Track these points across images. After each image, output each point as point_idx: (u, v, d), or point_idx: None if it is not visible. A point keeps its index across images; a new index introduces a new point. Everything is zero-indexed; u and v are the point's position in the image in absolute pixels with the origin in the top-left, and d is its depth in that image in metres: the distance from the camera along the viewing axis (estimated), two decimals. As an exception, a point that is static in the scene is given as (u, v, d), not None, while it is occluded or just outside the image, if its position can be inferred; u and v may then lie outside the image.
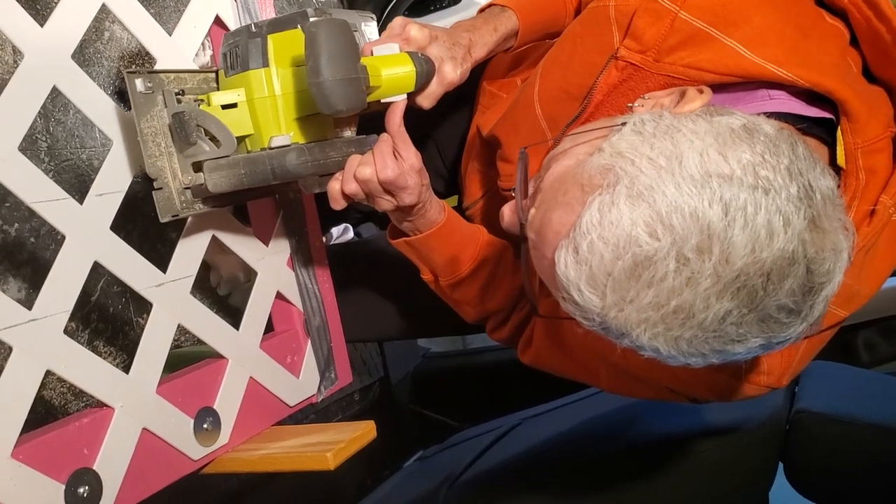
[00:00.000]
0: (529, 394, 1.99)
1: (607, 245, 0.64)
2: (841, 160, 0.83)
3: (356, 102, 0.85)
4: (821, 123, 0.84)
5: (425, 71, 0.97)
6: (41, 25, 0.91)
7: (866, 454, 1.31)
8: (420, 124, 1.22)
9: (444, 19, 2.60)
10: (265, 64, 0.93)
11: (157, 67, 1.02)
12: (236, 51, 0.94)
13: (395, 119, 0.97)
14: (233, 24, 1.20)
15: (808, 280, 0.64)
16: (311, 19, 0.90)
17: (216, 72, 1.02)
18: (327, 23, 0.84)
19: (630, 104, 0.84)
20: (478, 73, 1.25)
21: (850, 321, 2.38)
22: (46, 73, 0.91)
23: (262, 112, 0.93)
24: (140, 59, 1.45)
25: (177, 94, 0.96)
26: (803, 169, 0.66)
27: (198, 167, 0.95)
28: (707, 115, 0.71)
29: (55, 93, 0.92)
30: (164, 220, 0.93)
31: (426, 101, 1.01)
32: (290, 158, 0.91)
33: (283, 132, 0.94)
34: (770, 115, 0.81)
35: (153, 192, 0.92)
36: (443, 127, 1.34)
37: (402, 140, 0.96)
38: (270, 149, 0.93)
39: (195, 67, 1.07)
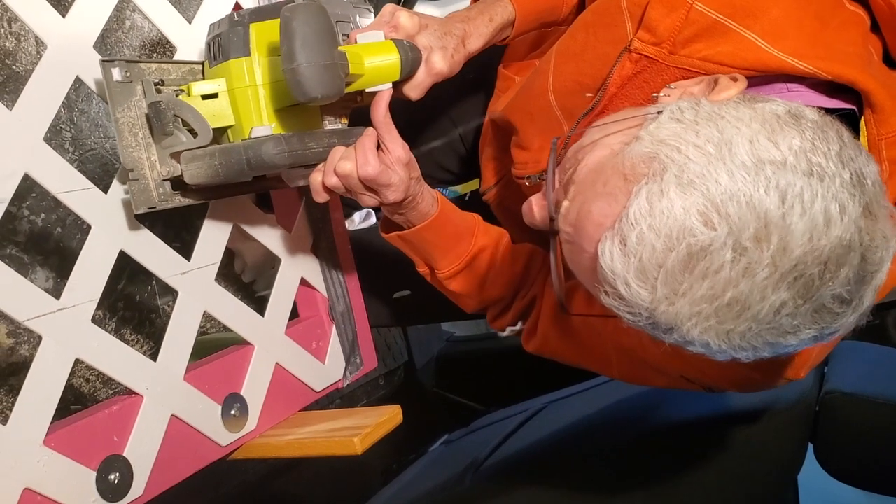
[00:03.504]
0: (554, 377, 1.98)
1: (659, 235, 0.62)
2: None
3: (332, 89, 0.82)
4: (842, 114, 0.82)
5: (410, 59, 0.93)
6: (63, 16, 0.91)
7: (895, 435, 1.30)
8: (440, 107, 1.22)
9: (454, 5, 2.59)
10: (246, 53, 0.91)
11: (167, 56, 1.02)
12: (219, 40, 0.92)
13: (380, 109, 0.92)
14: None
15: (862, 268, 0.63)
16: (288, 4, 0.86)
17: (202, 64, 1.00)
18: (303, 7, 0.81)
19: (655, 94, 0.82)
20: (496, 57, 1.24)
21: (882, 300, 2.36)
22: (69, 64, 0.91)
23: (242, 102, 0.91)
24: (161, 47, 1.46)
25: (156, 84, 0.93)
26: (853, 155, 0.65)
27: (176, 158, 0.93)
28: (748, 102, 0.69)
29: (78, 83, 0.93)
30: (138, 211, 0.91)
31: (413, 91, 0.97)
32: (267, 148, 0.86)
33: (265, 123, 0.91)
34: None
35: (129, 183, 0.89)
36: (463, 110, 1.33)
37: (388, 132, 0.92)
38: (248, 139, 0.90)
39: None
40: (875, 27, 0.85)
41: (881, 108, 0.79)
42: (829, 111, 0.78)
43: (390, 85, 0.94)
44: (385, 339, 2.40)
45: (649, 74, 0.87)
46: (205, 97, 0.91)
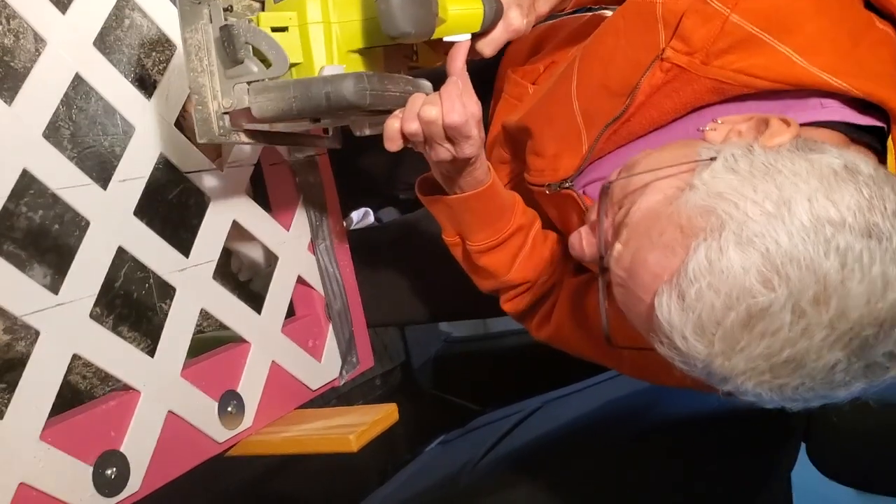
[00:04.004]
0: (551, 377, 1.99)
1: (718, 295, 0.63)
2: (891, 168, 0.82)
3: (425, 27, 0.81)
4: (871, 131, 0.82)
5: (493, 11, 0.92)
6: (63, 13, 0.92)
7: (888, 435, 1.30)
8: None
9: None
10: None
11: (168, 55, 1.02)
12: None
13: (459, 60, 0.91)
14: (252, 11, 1.21)
15: None
16: None
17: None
18: None
19: (701, 128, 0.82)
20: (498, 57, 1.24)
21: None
22: (69, 61, 0.91)
23: (314, 39, 0.86)
24: (160, 45, 1.46)
25: (224, 10, 0.88)
26: None
27: (241, 91, 0.88)
28: (803, 153, 0.69)
29: (77, 80, 0.93)
30: (201, 141, 0.87)
31: (488, 47, 0.96)
32: (348, 85, 0.82)
33: (336, 63, 0.87)
34: (822, 123, 0.81)
35: (193, 109, 0.86)
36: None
37: (466, 85, 0.90)
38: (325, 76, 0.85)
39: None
40: None
41: None
42: (859, 128, 0.78)
43: (469, 36, 0.92)
44: (382, 339, 2.40)
45: (679, 84, 0.87)
46: (274, 30, 0.86)
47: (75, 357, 0.89)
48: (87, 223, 0.93)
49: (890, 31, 0.84)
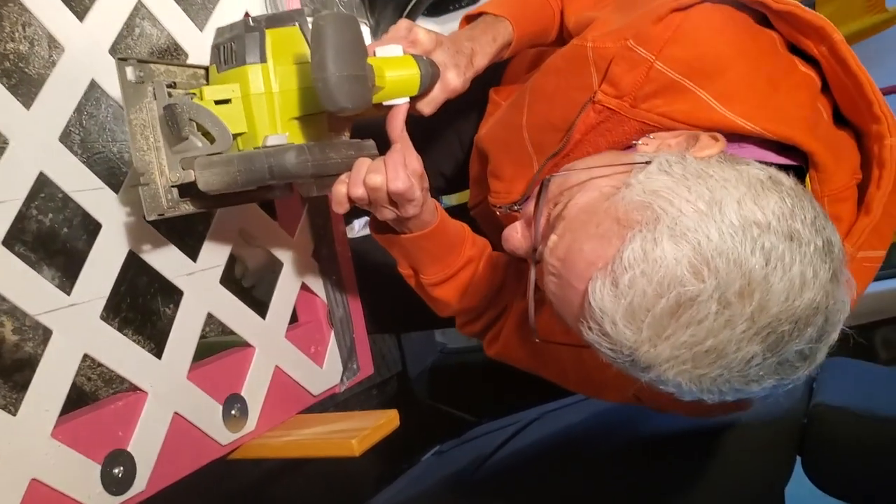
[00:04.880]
0: (546, 389, 2.00)
1: (650, 282, 0.66)
2: None
3: (361, 101, 0.82)
4: (790, 169, 0.86)
5: (430, 74, 0.94)
6: (81, 21, 0.94)
7: (885, 449, 1.32)
8: (444, 117, 1.24)
9: (454, 22, 2.62)
10: (263, 59, 0.88)
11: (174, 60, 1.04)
12: (231, 45, 0.89)
13: (398, 122, 0.95)
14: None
15: (823, 328, 0.68)
16: (321, 13, 0.84)
17: (207, 69, 0.97)
18: (336, 16, 0.80)
19: (634, 142, 0.87)
20: (498, 73, 1.28)
21: (868, 319, 2.38)
22: (86, 67, 0.93)
23: (257, 109, 0.88)
24: (169, 54, 1.48)
25: (168, 86, 0.91)
26: (824, 224, 0.70)
27: (186, 164, 0.90)
28: (731, 164, 0.74)
29: (91, 86, 0.95)
30: (149, 217, 0.88)
31: (427, 106, 0.99)
32: (290, 157, 0.85)
33: (279, 131, 0.89)
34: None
35: (140, 188, 0.86)
36: (465, 123, 1.36)
37: (405, 144, 0.94)
38: (266, 147, 0.87)
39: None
40: (826, 88, 0.89)
41: (824, 167, 0.84)
42: (778, 167, 0.82)
43: (407, 99, 0.95)
44: (380, 348, 2.41)
45: (611, 124, 0.91)
46: (217, 102, 0.88)
47: (85, 357, 0.91)
48: (99, 226, 0.95)
49: (812, 73, 0.88)
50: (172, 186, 0.90)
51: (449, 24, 2.64)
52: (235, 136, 0.90)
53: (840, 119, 0.90)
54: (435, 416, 2.51)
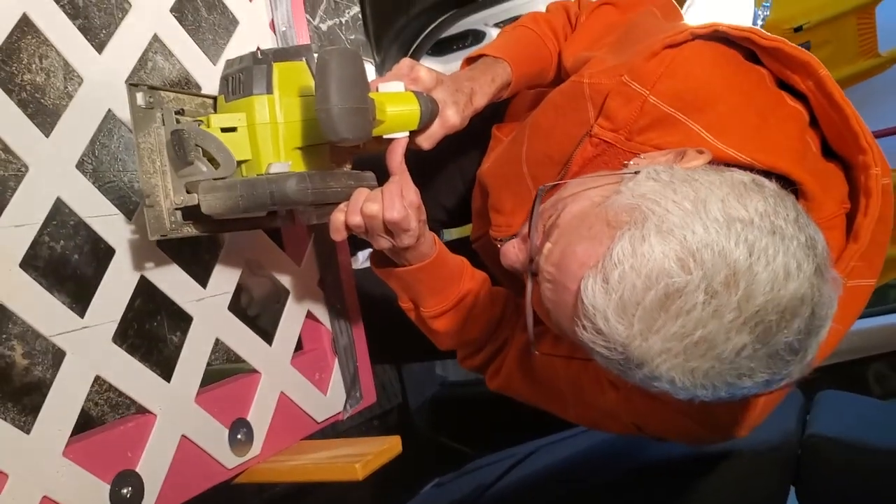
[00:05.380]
0: (544, 422, 2.01)
1: (639, 275, 0.68)
2: None
3: (362, 132, 0.86)
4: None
5: (429, 111, 0.98)
6: (99, 53, 0.97)
7: (878, 479, 1.33)
8: (447, 151, 1.28)
9: (456, 62, 2.67)
10: (269, 90, 0.92)
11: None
12: (240, 76, 0.93)
13: (397, 156, 0.98)
14: (272, 56, 1.27)
15: (811, 322, 0.70)
16: (325, 47, 0.90)
17: (215, 99, 1.01)
18: (340, 51, 0.84)
19: (626, 161, 0.90)
20: (501, 110, 1.32)
21: (862, 354, 2.40)
22: (103, 97, 0.97)
23: (262, 138, 0.92)
24: (180, 86, 1.52)
25: (176, 113, 0.95)
26: (806, 223, 0.73)
27: (191, 188, 0.93)
28: (715, 170, 0.78)
29: (106, 116, 0.98)
30: (152, 238, 0.91)
31: (426, 141, 1.03)
32: (291, 184, 0.88)
33: (282, 160, 0.92)
34: None
35: (144, 209, 0.89)
36: (467, 157, 1.40)
37: (403, 176, 0.97)
38: (269, 174, 0.91)
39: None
40: (814, 122, 0.92)
41: (812, 196, 0.87)
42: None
43: (407, 133, 0.99)
44: (381, 380, 2.43)
45: (608, 157, 0.95)
46: (224, 130, 0.92)
47: (96, 379, 0.93)
48: (113, 251, 0.97)
49: (800, 107, 0.91)
50: (176, 209, 0.94)
51: (452, 63, 2.68)
52: (240, 163, 0.94)
53: (828, 153, 0.93)
54: (435, 448, 2.52)
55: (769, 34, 0.92)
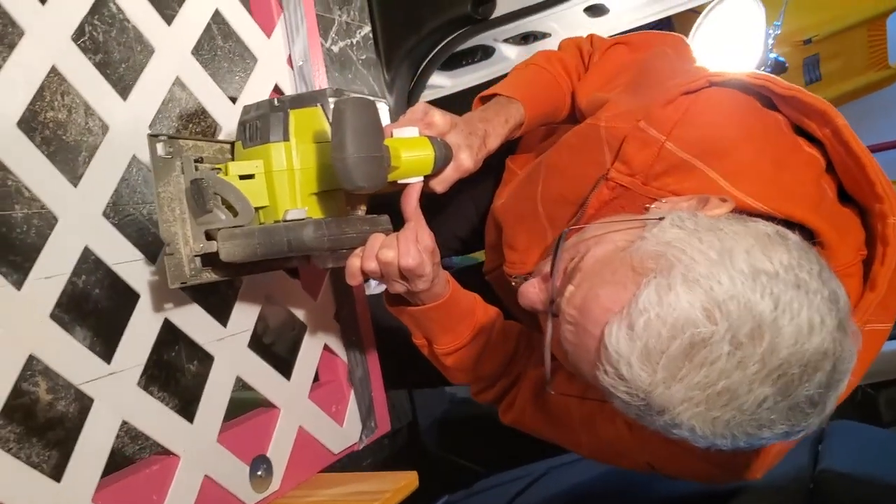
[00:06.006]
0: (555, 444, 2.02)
1: (665, 324, 0.69)
2: None
3: (377, 180, 0.87)
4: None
5: (444, 156, 1.00)
6: (124, 99, 0.99)
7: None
8: (461, 182, 1.30)
9: (476, 73, 2.69)
10: (286, 138, 0.94)
11: (204, 126, 1.08)
12: (257, 123, 0.95)
13: (412, 201, 0.99)
14: (289, 91, 1.28)
15: (832, 376, 0.71)
16: (342, 97, 0.91)
17: (232, 144, 1.02)
18: (355, 101, 0.85)
19: (648, 205, 0.90)
20: (514, 143, 1.33)
21: (872, 380, 2.41)
22: (127, 143, 0.98)
23: (279, 185, 0.93)
24: (196, 118, 1.54)
25: (195, 161, 0.96)
26: (829, 277, 0.74)
27: (209, 235, 0.95)
28: (739, 220, 0.78)
29: (131, 160, 0.99)
30: (173, 286, 0.92)
31: (440, 185, 1.04)
32: (308, 232, 0.90)
33: (299, 206, 0.94)
34: None
35: (164, 257, 0.91)
36: (481, 188, 1.41)
37: (418, 221, 0.99)
38: (286, 221, 0.92)
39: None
40: (830, 167, 0.93)
41: (829, 244, 0.88)
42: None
43: (421, 178, 1.00)
44: (391, 399, 2.43)
45: (625, 200, 0.96)
46: (242, 177, 0.93)
47: (123, 423, 0.94)
48: (137, 296, 0.98)
49: (816, 153, 0.92)
50: (195, 256, 0.95)
51: (461, 77, 2.70)
52: (257, 209, 0.95)
53: (844, 195, 0.94)
54: (444, 465, 2.53)
55: (786, 83, 0.94)
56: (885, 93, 3.49)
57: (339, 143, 0.83)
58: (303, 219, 0.92)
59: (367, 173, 0.85)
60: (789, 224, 0.88)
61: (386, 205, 1.06)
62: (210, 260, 0.96)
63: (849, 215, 0.93)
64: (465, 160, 1.03)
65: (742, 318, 0.68)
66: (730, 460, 0.95)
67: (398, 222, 1.01)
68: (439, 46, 2.44)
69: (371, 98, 0.93)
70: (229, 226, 0.93)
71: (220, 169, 0.96)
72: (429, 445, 2.56)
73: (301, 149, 0.94)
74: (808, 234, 0.89)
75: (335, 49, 2.03)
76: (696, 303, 0.69)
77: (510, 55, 2.64)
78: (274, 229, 0.91)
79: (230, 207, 0.93)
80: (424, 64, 2.42)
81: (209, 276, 0.98)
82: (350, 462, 1.96)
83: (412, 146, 0.98)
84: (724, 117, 0.93)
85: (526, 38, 2.67)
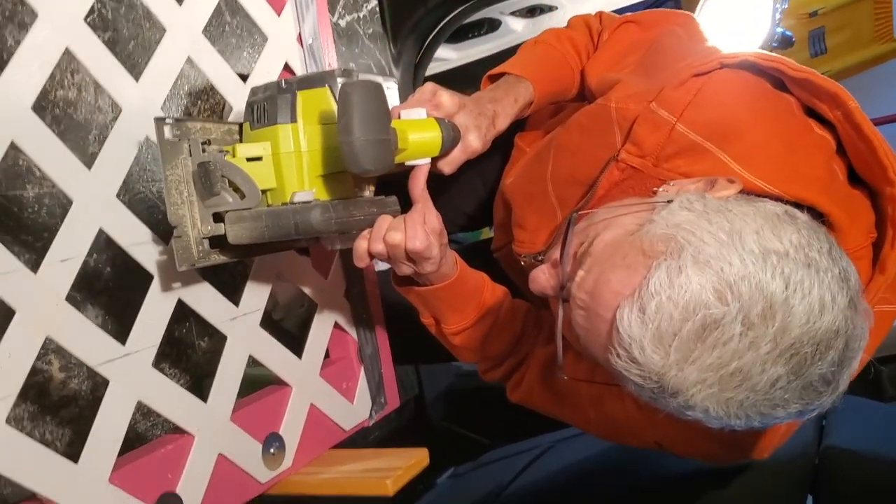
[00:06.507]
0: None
1: (677, 306, 0.69)
2: None
3: (384, 163, 0.86)
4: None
5: (451, 137, 0.99)
6: (136, 80, 0.99)
7: (894, 492, 1.36)
8: (473, 160, 1.30)
9: (482, 45, 2.67)
10: (293, 119, 0.93)
11: (212, 103, 1.08)
12: (265, 104, 0.95)
13: (420, 182, 0.99)
14: (299, 71, 1.28)
15: (844, 354, 0.71)
16: (348, 79, 0.91)
17: (240, 125, 1.02)
18: (362, 84, 0.84)
19: (655, 188, 0.90)
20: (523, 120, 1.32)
21: (876, 355, 2.41)
22: (140, 124, 0.98)
23: (286, 167, 0.93)
24: (205, 94, 1.53)
25: (203, 143, 0.95)
26: (839, 255, 0.74)
27: (218, 218, 0.95)
28: (747, 201, 0.78)
29: (144, 141, 0.99)
30: (181, 268, 0.92)
31: (448, 166, 1.04)
32: (315, 215, 0.90)
33: (307, 188, 0.94)
34: None
35: (173, 239, 0.91)
36: (489, 165, 1.40)
37: (426, 203, 0.99)
38: (293, 204, 0.92)
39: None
40: (840, 148, 0.93)
41: (839, 227, 0.88)
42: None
43: (429, 159, 1.00)
44: (397, 373, 2.45)
45: (635, 182, 0.95)
46: (249, 159, 0.93)
47: (139, 404, 0.96)
48: (151, 277, 0.99)
49: (827, 135, 0.92)
50: (204, 238, 0.95)
51: (468, 50, 2.69)
52: (265, 191, 0.95)
53: (854, 177, 0.94)
54: (450, 438, 2.55)
55: (798, 65, 0.93)
56: (890, 65, 3.46)
57: (346, 127, 0.83)
58: (310, 201, 0.92)
59: (374, 156, 0.85)
60: (799, 207, 0.89)
61: (394, 185, 1.06)
62: (218, 242, 0.97)
63: (859, 198, 0.93)
64: (474, 141, 1.03)
65: (753, 298, 0.68)
66: (738, 440, 0.96)
67: (406, 202, 1.01)
68: (446, 19, 2.42)
69: (379, 80, 0.92)
70: (237, 208, 0.93)
71: (227, 151, 0.96)
72: (435, 418, 2.58)
73: (309, 130, 0.94)
74: (819, 217, 0.89)
75: (342, 24, 2.01)
76: (707, 284, 0.69)
77: (516, 28, 2.63)
78: (281, 212, 0.91)
79: (237, 190, 0.93)
80: (431, 37, 2.40)
81: (217, 258, 0.98)
82: (357, 434, 1.98)
83: (420, 128, 0.97)
84: (735, 99, 0.92)
85: (532, 11, 2.66)
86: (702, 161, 0.91)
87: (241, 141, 1.01)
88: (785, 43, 2.57)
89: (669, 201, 0.80)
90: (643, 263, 0.74)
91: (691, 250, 0.71)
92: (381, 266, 1.88)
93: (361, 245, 0.99)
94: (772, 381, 0.69)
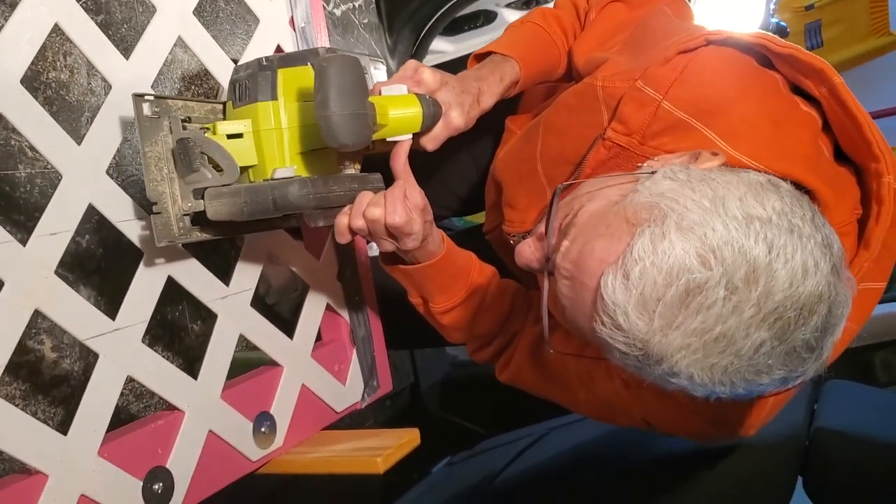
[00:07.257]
0: (555, 403, 2.04)
1: (660, 272, 0.70)
2: None
3: (362, 138, 0.87)
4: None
5: (432, 113, 1.00)
6: (126, 59, 0.99)
7: (885, 474, 1.36)
8: (460, 140, 1.31)
9: (478, 38, 2.68)
10: (274, 97, 0.94)
11: (206, 88, 1.09)
12: (246, 82, 0.95)
13: (401, 158, 1.00)
14: (291, 52, 1.28)
15: (828, 319, 0.72)
16: (326, 55, 0.91)
17: (224, 103, 1.02)
18: (339, 58, 0.85)
19: (640, 164, 0.91)
20: (514, 101, 1.33)
21: (868, 342, 2.42)
22: (130, 104, 0.98)
23: (267, 144, 0.94)
24: (199, 79, 1.54)
25: (183, 121, 0.96)
26: (822, 223, 0.75)
27: (198, 194, 0.95)
28: (731, 171, 0.80)
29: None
30: (160, 244, 0.93)
31: (430, 143, 1.04)
32: (293, 190, 0.90)
33: (287, 165, 0.94)
34: None
35: (151, 216, 0.91)
36: (480, 146, 1.41)
37: (407, 179, 1.00)
38: (273, 180, 0.93)
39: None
40: (826, 126, 0.93)
41: (825, 203, 0.88)
42: None
43: (410, 136, 1.01)
44: (393, 361, 2.44)
45: (622, 160, 0.96)
46: (230, 136, 0.94)
47: (128, 379, 0.96)
48: (141, 253, 0.99)
49: (813, 112, 0.92)
50: (185, 215, 0.96)
51: (463, 42, 2.69)
52: (246, 168, 0.95)
53: (840, 154, 0.95)
54: (446, 427, 2.56)
55: (783, 41, 0.94)
56: (886, 59, 3.47)
57: (323, 101, 0.84)
58: (290, 177, 0.93)
59: (352, 130, 0.86)
60: (787, 182, 0.89)
61: (380, 164, 1.06)
62: (202, 219, 0.97)
63: (844, 174, 0.93)
64: (456, 118, 1.04)
65: (736, 262, 0.69)
66: (724, 416, 0.97)
67: (391, 181, 1.02)
68: (441, 10, 2.43)
69: (355, 54, 0.92)
70: (216, 185, 0.94)
71: (208, 129, 0.97)
72: (430, 407, 2.58)
73: (289, 108, 0.94)
74: (805, 194, 0.89)
75: (337, 12, 2.02)
76: (691, 249, 0.70)
77: (512, 20, 2.63)
78: (259, 188, 0.92)
79: (217, 167, 0.94)
80: (426, 28, 2.41)
81: (199, 235, 0.99)
82: (353, 422, 1.99)
83: (400, 104, 0.98)
84: (721, 77, 0.93)
85: (528, 3, 2.67)
86: (688, 138, 0.91)
87: (224, 120, 1.01)
88: (780, 34, 2.58)
89: (653, 172, 0.81)
90: (627, 231, 0.74)
91: (675, 217, 0.72)
92: (375, 251, 1.89)
93: (342, 221, 0.99)
94: (756, 346, 0.70)
